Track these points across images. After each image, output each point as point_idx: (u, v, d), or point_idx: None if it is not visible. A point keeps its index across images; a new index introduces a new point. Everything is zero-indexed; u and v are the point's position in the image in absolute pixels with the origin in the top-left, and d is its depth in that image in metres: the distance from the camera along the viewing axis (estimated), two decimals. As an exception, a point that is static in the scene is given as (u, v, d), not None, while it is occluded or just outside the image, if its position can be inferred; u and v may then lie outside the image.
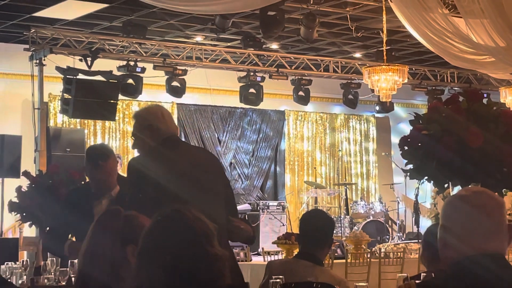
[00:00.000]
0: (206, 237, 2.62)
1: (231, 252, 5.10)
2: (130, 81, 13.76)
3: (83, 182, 7.77)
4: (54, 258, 5.70)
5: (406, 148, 5.77)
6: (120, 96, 13.54)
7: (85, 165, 6.06)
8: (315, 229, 5.17)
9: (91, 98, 12.71)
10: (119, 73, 13.59)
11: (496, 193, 6.27)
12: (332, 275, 5.10)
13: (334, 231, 14.85)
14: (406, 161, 5.87)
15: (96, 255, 3.08)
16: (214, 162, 5.09)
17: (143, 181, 4.62)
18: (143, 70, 13.83)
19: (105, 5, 12.18)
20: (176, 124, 5.11)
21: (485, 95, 5.71)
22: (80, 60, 13.13)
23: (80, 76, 12.73)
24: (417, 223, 13.43)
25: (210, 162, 4.99)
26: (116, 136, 15.62)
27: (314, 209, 14.00)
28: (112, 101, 13.07)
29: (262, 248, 11.99)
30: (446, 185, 5.84)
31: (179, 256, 2.57)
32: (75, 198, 5.83)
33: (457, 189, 5.72)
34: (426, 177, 5.78)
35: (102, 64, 13.28)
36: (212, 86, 16.26)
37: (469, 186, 5.52)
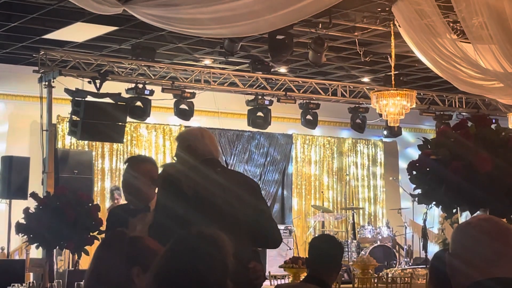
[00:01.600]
0: (223, 269, 2.59)
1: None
2: (139, 103, 13.78)
3: (90, 204, 7.75)
4: (61, 280, 5.68)
5: (414, 172, 5.75)
6: (128, 119, 13.56)
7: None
8: (324, 254, 5.16)
9: (99, 120, 12.73)
10: (127, 96, 13.62)
11: (505, 219, 6.26)
12: None
13: (341, 256, 14.82)
14: (414, 186, 5.85)
15: (102, 277, 3.08)
16: (250, 189, 4.94)
17: (177, 196, 4.63)
18: (152, 92, 13.86)
19: (115, 28, 12.25)
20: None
21: (493, 121, 5.73)
22: (89, 82, 13.17)
23: (89, 98, 12.76)
24: (425, 248, 13.38)
25: (244, 188, 4.88)
26: (124, 158, 15.61)
27: (323, 234, 13.95)
28: (120, 124, 13.09)
29: (269, 272, 11.95)
30: (454, 210, 5.81)
31: (190, 282, 2.55)
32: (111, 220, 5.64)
33: (465, 214, 5.69)
34: (434, 202, 5.75)
35: (110, 86, 13.32)
36: (220, 109, 16.29)
37: (478, 211, 5.49)
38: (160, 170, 5.13)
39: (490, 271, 2.66)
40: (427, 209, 5.94)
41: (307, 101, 15.69)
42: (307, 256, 5.39)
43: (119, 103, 13.10)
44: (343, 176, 18.03)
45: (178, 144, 5.00)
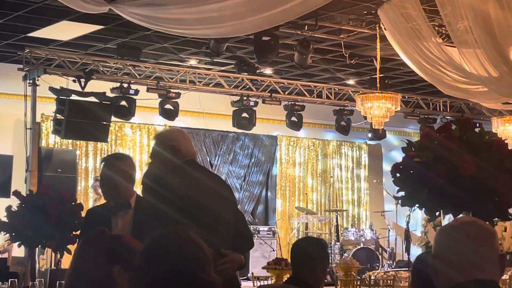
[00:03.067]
0: (198, 262, 2.60)
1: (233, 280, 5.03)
2: (123, 103, 13.74)
3: (73, 203, 7.73)
4: (43, 279, 5.65)
5: (398, 175, 5.76)
6: (113, 118, 13.54)
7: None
8: (306, 255, 5.15)
9: (83, 119, 12.70)
10: (112, 95, 13.59)
11: (488, 222, 6.27)
12: None
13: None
14: (397, 188, 5.86)
15: (83, 276, 3.09)
16: (228, 189, 5.18)
17: (167, 196, 4.65)
18: (137, 92, 13.83)
19: (100, 27, 12.21)
20: None
21: (477, 124, 5.74)
22: (74, 81, 13.12)
23: (73, 97, 12.72)
24: (408, 250, 13.42)
25: (225, 189, 5.07)
26: (108, 158, 15.56)
27: (307, 236, 13.98)
28: (104, 123, 13.06)
29: (252, 273, 11.96)
30: (437, 213, 5.83)
31: (168, 278, 2.56)
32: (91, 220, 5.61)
33: (448, 217, 5.71)
34: (417, 205, 5.77)
35: (95, 85, 13.29)
36: (205, 110, 16.27)
37: (461, 214, 5.51)
38: (144, 168, 5.16)
39: (473, 274, 2.67)
40: (410, 212, 5.97)
41: (292, 102, 15.70)
42: (290, 258, 5.39)
43: (103, 102, 13.08)
44: (327, 178, 18.06)
45: (158, 143, 5.00)
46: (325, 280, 11.56)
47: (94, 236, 3.24)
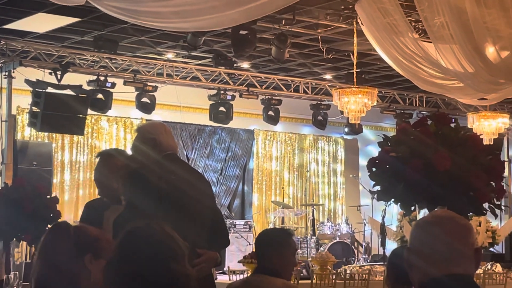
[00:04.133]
0: (172, 253, 2.61)
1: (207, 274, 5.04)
2: (100, 96, 13.69)
3: (48, 196, 7.70)
4: (17, 272, 5.62)
5: (374, 169, 5.79)
6: (89, 111, 13.48)
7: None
8: (265, 242, 5.17)
9: (59, 112, 12.64)
10: (88, 88, 13.53)
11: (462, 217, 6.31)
12: (286, 284, 5.08)
13: (300, 251, 14.90)
14: (373, 183, 5.89)
15: (52, 270, 3.11)
16: (207, 185, 5.18)
17: (145, 190, 4.65)
18: (113, 85, 13.78)
19: (77, 19, 12.14)
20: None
21: (453, 120, 5.77)
22: (50, 73, 13.05)
23: (49, 89, 12.65)
24: (383, 244, 13.48)
25: (203, 184, 5.08)
26: (84, 151, 15.53)
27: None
28: (80, 116, 13.01)
29: (228, 267, 11.96)
30: (412, 208, 5.86)
31: (142, 269, 2.57)
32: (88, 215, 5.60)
33: (423, 211, 5.74)
34: (393, 199, 5.80)
35: (72, 78, 13.22)
36: (182, 104, 16.24)
37: (436, 209, 5.54)
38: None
39: (448, 268, 2.68)
40: (386, 206, 5.99)
41: (269, 97, 15.71)
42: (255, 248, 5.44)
43: (80, 95, 13.03)
44: (304, 172, 18.09)
45: (139, 136, 5.00)
46: (301, 274, 11.63)
47: (58, 229, 3.28)
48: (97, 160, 5.42)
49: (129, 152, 5.35)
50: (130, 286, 2.57)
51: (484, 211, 5.87)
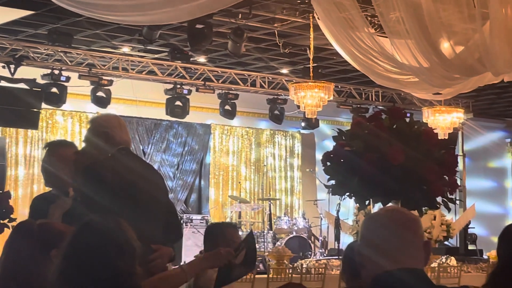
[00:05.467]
0: (120, 251, 2.60)
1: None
2: (54, 90, 13.56)
3: (1, 192, 7.60)
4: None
5: (328, 163, 5.80)
6: (44, 105, 13.34)
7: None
8: (204, 235, 5.58)
9: (13, 106, 12.47)
10: (43, 82, 13.39)
11: (416, 211, 6.36)
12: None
13: (257, 246, 14.90)
14: (328, 177, 5.90)
15: (18, 268, 3.12)
16: (161, 179, 5.13)
17: (99, 184, 4.59)
18: (68, 79, 13.65)
19: (31, 12, 11.99)
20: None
21: (408, 114, 5.80)
22: (3, 67, 12.91)
23: (3, 83, 12.50)
24: (337, 239, 13.54)
25: (157, 178, 5.03)
26: (38, 145, 15.36)
27: None
28: (35, 110, 12.85)
29: (184, 262, 11.91)
30: (367, 202, 5.89)
31: (88, 262, 2.57)
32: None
33: (378, 205, 5.77)
34: (347, 193, 5.82)
35: (25, 71, 13.07)
36: (138, 98, 16.13)
37: (390, 203, 5.57)
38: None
39: (398, 259, 2.70)
40: (341, 200, 6.00)
41: (226, 91, 15.69)
42: None
43: (34, 89, 12.88)
44: (261, 167, 18.10)
45: (92, 129, 4.94)
46: (258, 269, 11.63)
47: (22, 227, 3.30)
48: (45, 151, 5.36)
49: (78, 144, 5.29)
50: (75, 277, 2.57)
51: (438, 205, 5.92)
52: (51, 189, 5.43)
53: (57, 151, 5.26)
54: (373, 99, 17.05)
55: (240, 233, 14.83)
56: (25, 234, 3.19)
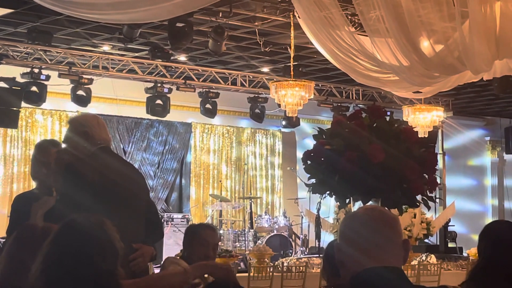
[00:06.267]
0: (101, 251, 2.59)
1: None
2: (34, 88, 13.49)
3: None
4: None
5: (309, 162, 5.81)
6: (23, 104, 13.28)
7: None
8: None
9: (-8, 105, 12.42)
10: (22, 80, 13.32)
11: (396, 209, 6.39)
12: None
13: (238, 244, 14.92)
14: (309, 175, 5.91)
15: (19, 271, 3.09)
16: (141, 178, 5.16)
17: (80, 183, 4.59)
18: (48, 77, 13.58)
19: (10, 10, 11.92)
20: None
21: (388, 113, 5.82)
22: (-18, 65, 12.82)
23: (-18, 82, 12.42)
24: (318, 237, 13.56)
25: (138, 177, 5.06)
26: (18, 144, 15.27)
27: None
28: (14, 109, 12.80)
29: (165, 261, 11.89)
30: (347, 200, 5.90)
31: (69, 261, 2.56)
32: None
33: (358, 204, 5.78)
34: (328, 192, 5.83)
35: (5, 70, 12.99)
36: (119, 96, 16.08)
37: (370, 201, 5.59)
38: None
39: (378, 257, 2.71)
40: (321, 199, 6.01)
41: (207, 89, 15.68)
42: None
43: (13, 87, 12.82)
44: (242, 165, 18.10)
45: (72, 128, 4.95)
46: (239, 268, 11.63)
47: (24, 232, 3.30)
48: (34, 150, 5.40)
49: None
50: (56, 277, 2.56)
51: (418, 203, 5.94)
52: (32, 188, 5.44)
53: (46, 150, 5.28)
54: (354, 98, 17.10)
55: (221, 231, 14.88)
56: (29, 238, 3.17)
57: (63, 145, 5.04)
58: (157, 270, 12.49)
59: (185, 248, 5.60)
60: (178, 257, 5.75)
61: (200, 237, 5.48)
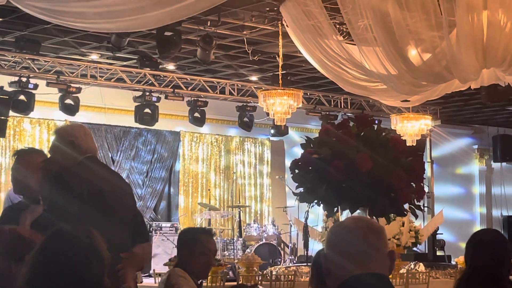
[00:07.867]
0: (88, 262, 2.59)
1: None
2: (22, 97, 13.45)
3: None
4: None
5: (297, 171, 5.81)
6: (11, 113, 13.25)
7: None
8: (178, 238, 5.59)
9: (-20, 114, 12.39)
10: (10, 89, 13.29)
11: (384, 217, 6.40)
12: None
13: (226, 253, 14.91)
14: (297, 184, 5.91)
15: None
16: (128, 188, 5.15)
17: (67, 192, 4.58)
18: (36, 86, 13.55)
19: (-2, 19, 11.91)
20: None
21: (376, 121, 5.84)
22: (-30, 74, 12.79)
23: (-31, 91, 12.39)
24: (306, 246, 13.56)
25: (125, 187, 5.04)
26: (6, 153, 15.22)
27: None
28: (2, 118, 12.80)
29: (154, 270, 11.89)
30: (335, 209, 5.91)
31: (56, 272, 2.56)
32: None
33: (346, 213, 5.79)
34: (316, 200, 5.83)
35: (-8, 79, 12.96)
36: (107, 105, 16.05)
37: (358, 211, 5.60)
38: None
39: (365, 265, 2.72)
40: (309, 207, 6.01)
41: (195, 98, 15.67)
42: None
43: (1, 96, 12.80)
44: (230, 174, 18.09)
45: (58, 138, 4.93)
46: (228, 276, 11.62)
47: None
48: (14, 159, 5.32)
49: (47, 152, 5.26)
50: (41, 286, 2.56)
51: (405, 212, 5.95)
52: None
53: (25, 158, 5.22)
54: (342, 106, 17.13)
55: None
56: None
57: (50, 155, 5.02)
58: (145, 280, 12.50)
59: (183, 256, 5.39)
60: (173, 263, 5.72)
61: (201, 245, 5.34)
